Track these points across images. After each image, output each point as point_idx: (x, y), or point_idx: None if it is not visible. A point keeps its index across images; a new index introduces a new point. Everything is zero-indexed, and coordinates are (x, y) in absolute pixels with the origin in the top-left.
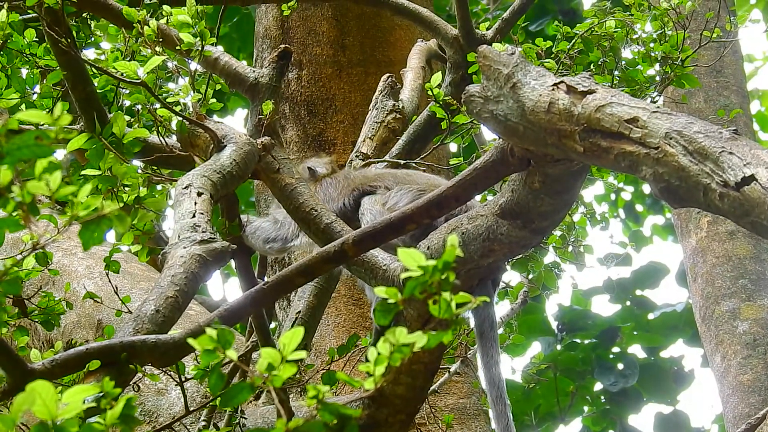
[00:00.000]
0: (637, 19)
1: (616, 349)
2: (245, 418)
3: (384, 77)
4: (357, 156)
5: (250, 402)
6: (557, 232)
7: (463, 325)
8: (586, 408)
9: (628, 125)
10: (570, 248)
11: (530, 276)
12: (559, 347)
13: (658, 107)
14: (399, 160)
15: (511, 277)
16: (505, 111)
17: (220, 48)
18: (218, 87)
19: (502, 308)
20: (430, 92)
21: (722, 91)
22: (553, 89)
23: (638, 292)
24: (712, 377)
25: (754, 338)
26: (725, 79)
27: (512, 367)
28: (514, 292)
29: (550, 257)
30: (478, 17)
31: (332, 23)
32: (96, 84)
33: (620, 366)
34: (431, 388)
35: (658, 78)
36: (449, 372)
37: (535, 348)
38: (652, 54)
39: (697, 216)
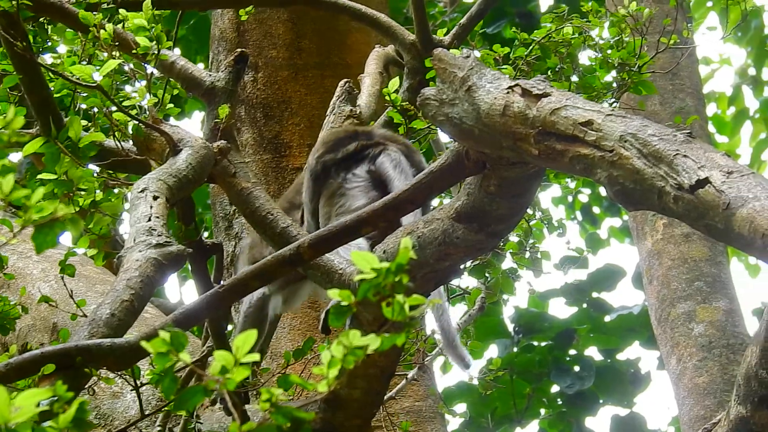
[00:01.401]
0: (594, 25)
1: (572, 352)
2: (200, 423)
3: (341, 83)
4: None
5: (206, 407)
6: (514, 238)
7: (420, 333)
8: (542, 410)
9: (583, 128)
10: (527, 254)
11: (487, 282)
12: (515, 349)
13: (612, 110)
14: None
15: (468, 282)
16: (461, 114)
17: (177, 52)
18: (175, 92)
19: (458, 313)
20: (387, 97)
21: (678, 94)
22: (508, 92)
23: (595, 295)
24: (668, 379)
25: (710, 341)
26: (681, 82)
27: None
28: (471, 298)
29: (507, 263)
30: (435, 19)
31: (288, 26)
32: (52, 88)
33: (577, 368)
34: (388, 394)
35: (615, 84)
36: (406, 378)
37: (492, 351)
38: (609, 60)
39: (653, 219)
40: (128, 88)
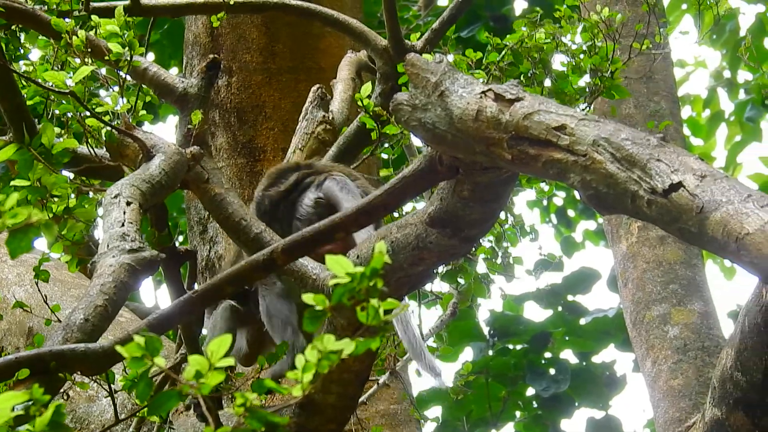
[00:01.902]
0: (567, 31)
1: (548, 355)
2: (173, 429)
3: (314, 88)
4: None
5: (180, 412)
6: (487, 244)
7: (393, 338)
8: (518, 413)
9: (556, 132)
10: (499, 259)
11: (460, 287)
12: (490, 353)
13: (585, 115)
14: None
15: (441, 287)
16: (433, 119)
17: (150, 57)
18: (148, 99)
19: (432, 318)
20: (359, 103)
21: (653, 97)
22: (481, 97)
23: (570, 298)
24: (643, 382)
25: (685, 343)
26: (656, 85)
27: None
28: (443, 303)
29: (480, 268)
30: (410, 23)
31: (262, 30)
32: (25, 95)
33: (552, 371)
34: (361, 398)
35: (588, 90)
36: (378, 383)
37: (467, 354)
38: (582, 66)
39: (628, 221)
40: (102, 93)
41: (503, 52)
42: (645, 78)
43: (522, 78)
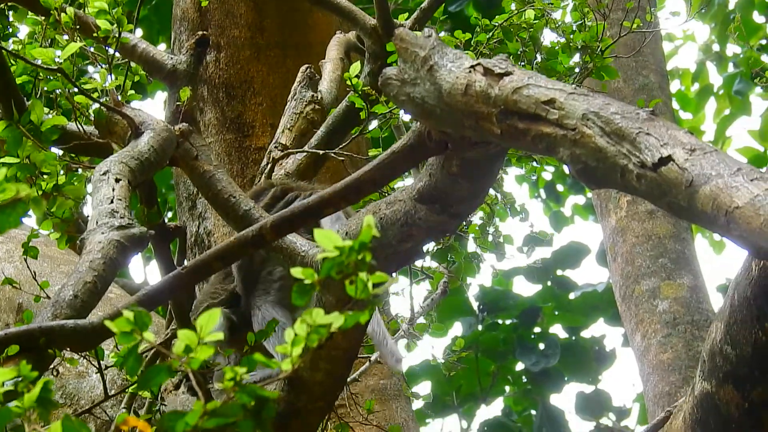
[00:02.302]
0: (557, 7)
1: (537, 329)
2: (165, 405)
3: (302, 68)
4: (276, 147)
5: (170, 391)
6: (477, 221)
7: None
8: (507, 388)
9: (545, 107)
10: (490, 238)
11: (450, 266)
12: (480, 328)
13: (575, 89)
14: (318, 151)
15: (430, 265)
16: (422, 94)
17: (139, 33)
18: (137, 78)
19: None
20: (348, 82)
21: (641, 71)
22: (470, 71)
23: (559, 272)
24: (632, 356)
25: (674, 317)
26: (644, 59)
27: (432, 347)
28: (434, 283)
29: (470, 246)
30: (397, 1)
31: (250, 5)
32: (14, 72)
33: (542, 346)
34: (351, 376)
35: (577, 69)
36: (369, 361)
37: (457, 329)
38: (572, 44)
39: (617, 196)
40: (91, 70)
41: (492, 31)
42: (634, 52)
43: (511, 57)
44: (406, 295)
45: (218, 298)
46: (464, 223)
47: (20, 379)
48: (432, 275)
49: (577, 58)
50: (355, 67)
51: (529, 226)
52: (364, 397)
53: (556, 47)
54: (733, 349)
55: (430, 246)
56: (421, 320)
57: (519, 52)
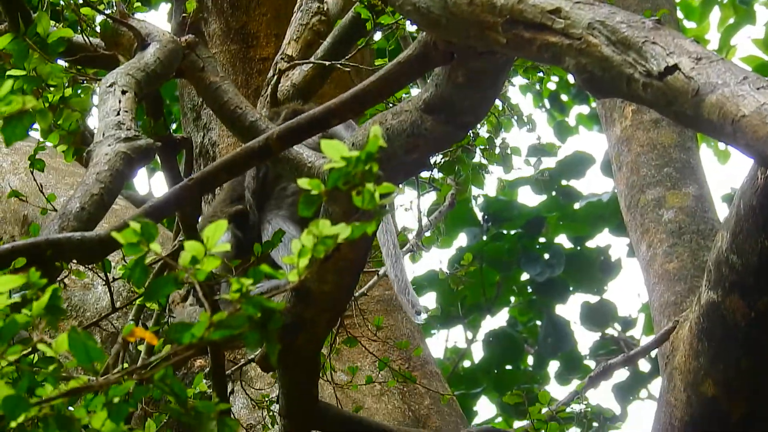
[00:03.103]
0: None
1: (542, 240)
2: (173, 317)
3: None
4: (282, 58)
5: (177, 303)
6: (484, 133)
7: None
8: (512, 298)
9: (551, 16)
10: (497, 150)
11: (458, 178)
12: (484, 238)
13: None
14: (324, 62)
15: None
16: (427, 3)
17: None
18: None
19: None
20: None
21: None
22: None
23: (564, 182)
24: (638, 266)
25: (680, 226)
26: None
27: (440, 261)
28: (441, 195)
29: (477, 158)
30: None
31: None
32: None
33: (546, 256)
34: (360, 290)
35: None
36: (378, 275)
37: (461, 239)
38: None
39: (622, 105)
40: None
41: None
42: None
43: None
44: (413, 208)
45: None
46: (471, 134)
47: (29, 286)
48: (439, 187)
49: None
50: None
51: (536, 138)
52: (369, 307)
53: None
54: (739, 258)
55: (437, 158)
56: (428, 233)
57: None
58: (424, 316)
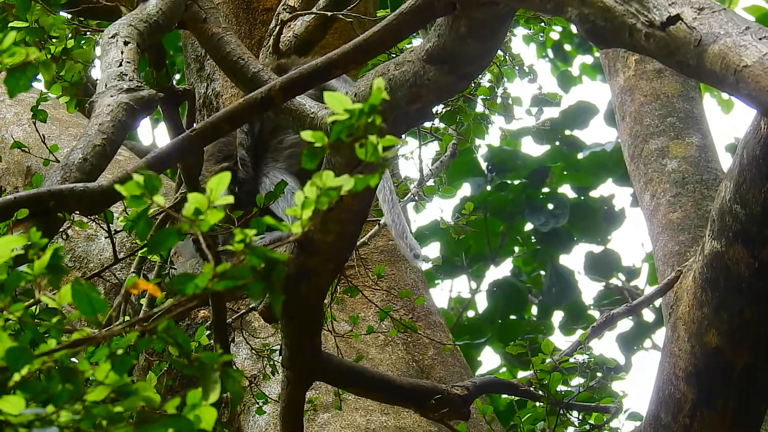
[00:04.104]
0: None
1: (546, 190)
2: (174, 269)
3: None
4: (284, 9)
5: (179, 255)
6: (486, 83)
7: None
8: (516, 248)
9: None
10: (498, 100)
11: (459, 128)
12: (488, 188)
13: None
14: (326, 12)
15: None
16: None
17: None
18: None
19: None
20: None
21: None
22: None
23: (567, 132)
24: (641, 216)
25: (683, 176)
26: None
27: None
28: (443, 145)
29: (479, 108)
30: None
31: None
32: None
33: (550, 206)
34: (361, 239)
35: None
36: (379, 224)
37: (465, 189)
38: None
39: (625, 55)
40: None
41: None
42: None
43: None
44: (415, 158)
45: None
46: (473, 84)
47: (30, 245)
48: (441, 137)
49: None
50: None
51: (537, 88)
52: (372, 258)
53: None
54: (742, 208)
55: (439, 108)
56: (430, 183)
57: None
58: (423, 261)
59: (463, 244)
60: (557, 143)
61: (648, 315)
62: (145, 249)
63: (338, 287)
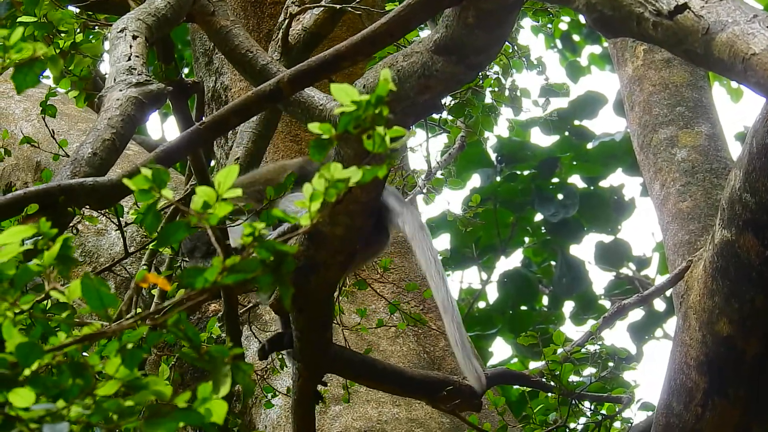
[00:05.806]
0: None
1: (555, 180)
2: (186, 261)
3: None
4: (293, 2)
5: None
6: (493, 75)
7: (394, 164)
8: (526, 239)
9: None
10: (507, 92)
11: (467, 120)
12: (498, 179)
13: None
14: (335, 5)
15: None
16: None
17: None
18: None
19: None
20: None
21: None
22: None
23: (576, 122)
24: (651, 205)
25: (693, 165)
26: None
27: (448, 202)
28: (451, 137)
29: (487, 100)
30: None
31: None
32: None
33: (560, 196)
34: None
35: None
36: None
37: (475, 180)
38: None
39: (633, 44)
40: None
41: None
42: None
43: None
44: (423, 150)
45: None
46: (480, 76)
47: (40, 236)
48: (449, 131)
49: None
50: None
51: (544, 79)
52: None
53: None
54: (752, 196)
55: (448, 100)
56: (439, 175)
57: None
58: (484, 384)
59: (473, 236)
60: (566, 133)
61: (659, 304)
62: (154, 242)
63: (347, 280)
